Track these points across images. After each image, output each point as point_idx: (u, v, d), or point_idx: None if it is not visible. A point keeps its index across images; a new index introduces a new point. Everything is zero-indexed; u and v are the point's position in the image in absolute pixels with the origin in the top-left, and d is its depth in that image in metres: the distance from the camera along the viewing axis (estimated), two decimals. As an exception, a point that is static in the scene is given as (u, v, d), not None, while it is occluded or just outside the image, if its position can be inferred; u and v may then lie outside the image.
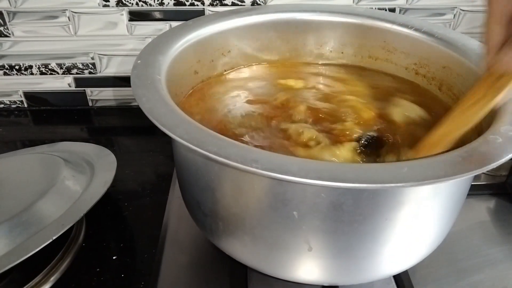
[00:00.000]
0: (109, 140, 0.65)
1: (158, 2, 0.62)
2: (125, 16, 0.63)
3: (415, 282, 0.42)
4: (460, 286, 0.43)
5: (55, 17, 0.63)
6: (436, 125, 0.35)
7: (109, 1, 0.62)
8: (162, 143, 0.63)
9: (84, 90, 0.70)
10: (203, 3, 0.62)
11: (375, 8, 0.64)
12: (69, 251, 0.45)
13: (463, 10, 0.66)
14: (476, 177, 0.55)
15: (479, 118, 0.33)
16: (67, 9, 0.62)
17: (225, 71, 0.51)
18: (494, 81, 0.31)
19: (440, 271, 0.44)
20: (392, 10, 0.65)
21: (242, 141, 0.39)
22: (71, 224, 0.40)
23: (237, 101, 0.46)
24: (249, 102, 0.46)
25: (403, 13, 0.65)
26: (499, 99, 0.31)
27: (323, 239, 0.33)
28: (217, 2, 0.62)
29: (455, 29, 0.68)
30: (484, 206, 0.53)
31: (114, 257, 0.46)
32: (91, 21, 0.63)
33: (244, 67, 0.53)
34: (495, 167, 0.29)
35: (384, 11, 0.64)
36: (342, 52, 0.54)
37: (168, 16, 0.63)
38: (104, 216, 0.51)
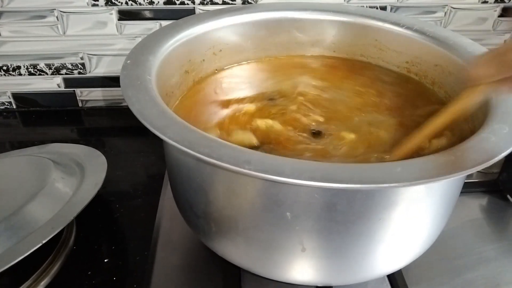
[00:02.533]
0: (99, 141, 0.64)
1: (148, 1, 0.61)
2: (114, 16, 0.62)
3: (409, 281, 0.42)
4: (453, 284, 0.43)
5: (43, 16, 0.62)
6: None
7: (98, 1, 0.61)
8: (154, 144, 0.62)
9: (74, 90, 0.69)
10: (193, 2, 0.62)
11: (366, 6, 0.64)
12: (59, 254, 0.44)
13: (454, 8, 0.66)
14: (469, 175, 0.55)
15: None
16: (55, 9, 0.61)
17: (216, 70, 0.50)
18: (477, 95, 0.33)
19: (433, 270, 0.44)
20: (383, 8, 0.65)
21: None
22: (61, 228, 0.39)
23: (228, 101, 0.45)
24: (240, 102, 0.45)
25: (394, 11, 0.65)
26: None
27: (316, 239, 0.33)
28: (208, 0, 0.62)
29: (446, 27, 0.68)
30: (477, 204, 0.53)
31: (106, 260, 0.45)
32: (80, 20, 0.63)
33: (236, 66, 0.52)
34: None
35: (375, 9, 0.64)
36: (334, 51, 0.54)
37: (158, 15, 0.63)
38: (95, 218, 0.50)
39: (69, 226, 0.47)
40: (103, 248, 0.47)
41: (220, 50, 0.50)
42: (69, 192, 0.45)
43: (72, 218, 0.41)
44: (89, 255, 0.46)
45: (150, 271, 0.44)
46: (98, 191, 0.45)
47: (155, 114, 0.32)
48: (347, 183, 0.27)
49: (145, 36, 0.45)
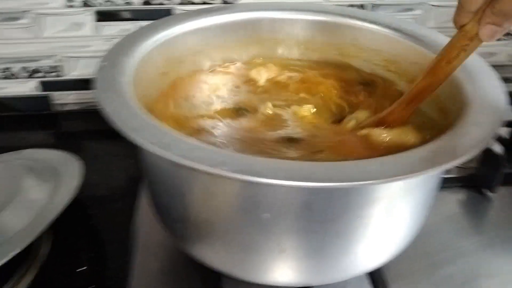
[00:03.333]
0: (77, 146, 0.63)
1: (125, 2, 0.60)
2: (91, 17, 0.61)
3: (389, 277, 0.42)
4: (433, 279, 0.43)
5: (17, 18, 0.60)
6: (413, 84, 0.38)
7: (74, 1, 0.60)
8: (132, 147, 0.61)
9: (50, 94, 0.67)
10: (172, 2, 0.61)
11: (345, 6, 0.64)
12: (34, 264, 0.43)
13: (432, 5, 0.67)
14: (447, 170, 0.56)
15: (450, 75, 0.37)
16: (30, 10, 0.60)
17: (195, 71, 0.50)
18: (466, 42, 0.34)
19: (413, 266, 0.44)
20: (362, 6, 0.65)
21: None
22: (34, 237, 0.39)
23: (208, 102, 0.45)
24: (220, 103, 0.45)
25: (373, 10, 0.65)
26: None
27: (295, 240, 0.33)
28: (187, 0, 0.61)
29: (425, 24, 0.69)
30: (455, 199, 0.53)
31: (83, 267, 0.44)
32: (56, 22, 0.61)
33: (215, 67, 0.52)
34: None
35: (354, 8, 0.65)
36: (312, 50, 0.54)
37: (136, 15, 0.62)
38: (72, 225, 0.49)
39: (43, 234, 0.46)
40: (81, 255, 0.46)
41: (199, 51, 0.49)
42: (44, 200, 0.44)
43: (46, 226, 0.40)
44: (66, 263, 0.45)
45: (129, 277, 0.43)
46: (75, 197, 0.44)
47: (128, 116, 0.32)
48: (324, 182, 0.26)
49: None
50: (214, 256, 0.36)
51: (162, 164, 0.34)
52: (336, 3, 0.64)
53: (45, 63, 0.64)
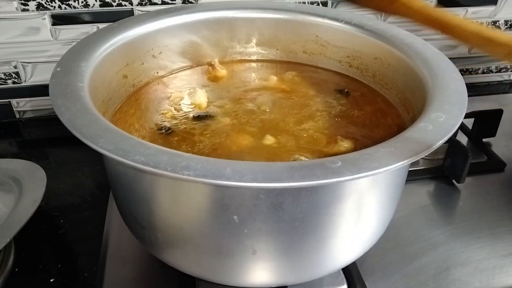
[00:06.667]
0: (41, 153, 0.61)
1: (83, 4, 0.58)
2: (47, 20, 0.59)
3: (363, 271, 0.43)
4: (406, 271, 0.44)
5: (-32, 24, 0.58)
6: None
7: (28, 5, 0.57)
8: (98, 153, 0.59)
9: (9, 101, 0.65)
10: (131, 3, 0.59)
11: (307, 3, 0.64)
12: (-3, 279, 0.41)
13: (393, 1, 0.68)
14: (415, 162, 0.57)
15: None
16: (-20, 15, 0.57)
17: (157, 73, 0.49)
18: None
19: (386, 259, 0.45)
20: (324, 3, 0.65)
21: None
22: (-4, 251, 0.37)
23: (170, 104, 0.44)
24: (182, 104, 0.44)
25: (335, 6, 0.66)
26: None
27: (266, 241, 0.32)
28: (146, 1, 0.59)
29: (385, 19, 0.69)
30: (424, 190, 0.54)
31: (51, 280, 0.43)
32: (10, 27, 0.59)
33: (177, 68, 0.51)
34: (428, 153, 0.30)
35: (314, 5, 0.65)
36: (277, 49, 0.54)
37: (95, 18, 0.60)
38: (38, 236, 0.47)
39: (6, 248, 0.44)
40: (49, 267, 0.44)
41: (160, 53, 0.48)
42: (6, 212, 0.43)
43: (9, 239, 0.39)
44: (33, 276, 0.43)
45: (99, 287, 0.42)
46: (41, 207, 0.43)
47: (87, 122, 0.30)
48: (289, 182, 0.26)
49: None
50: (186, 261, 0.35)
51: (126, 170, 0.33)
52: (298, 1, 0.64)
53: (1, 70, 0.62)
